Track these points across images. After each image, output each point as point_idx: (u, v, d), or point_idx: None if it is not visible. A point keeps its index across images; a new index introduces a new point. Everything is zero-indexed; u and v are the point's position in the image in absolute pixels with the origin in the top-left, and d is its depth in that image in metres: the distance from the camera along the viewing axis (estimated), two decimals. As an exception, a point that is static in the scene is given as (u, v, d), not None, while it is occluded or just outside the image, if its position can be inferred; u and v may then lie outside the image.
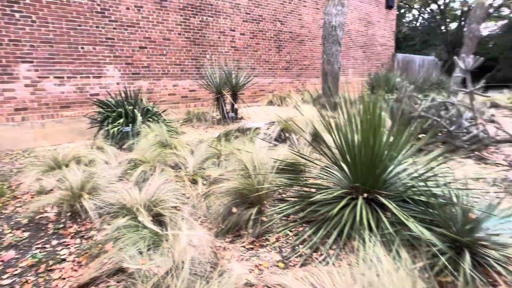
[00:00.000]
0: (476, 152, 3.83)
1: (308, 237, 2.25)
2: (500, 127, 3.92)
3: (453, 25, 25.23)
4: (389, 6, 12.49)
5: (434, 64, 16.89)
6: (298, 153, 2.93)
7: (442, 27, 25.15)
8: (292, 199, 2.84)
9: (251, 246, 2.25)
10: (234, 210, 2.41)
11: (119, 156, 3.86)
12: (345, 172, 2.57)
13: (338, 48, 7.08)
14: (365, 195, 2.33)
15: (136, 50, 6.35)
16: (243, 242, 2.30)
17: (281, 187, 2.82)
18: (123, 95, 5.12)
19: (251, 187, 2.50)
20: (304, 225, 2.50)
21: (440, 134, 4.06)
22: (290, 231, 2.43)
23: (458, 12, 24.14)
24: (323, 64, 7.32)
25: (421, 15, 26.70)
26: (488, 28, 27.78)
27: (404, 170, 2.50)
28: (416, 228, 1.85)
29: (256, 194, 2.49)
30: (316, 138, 3.76)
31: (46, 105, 5.34)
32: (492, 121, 5.22)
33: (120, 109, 4.83)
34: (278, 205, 2.68)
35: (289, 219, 2.61)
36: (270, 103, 8.37)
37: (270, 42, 8.82)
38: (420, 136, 4.02)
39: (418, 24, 26.27)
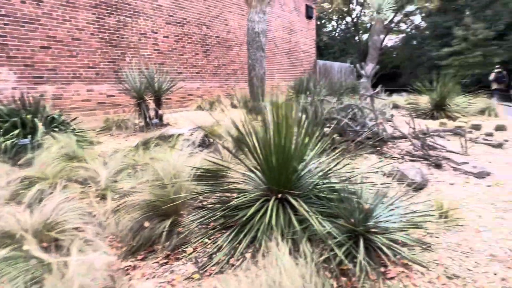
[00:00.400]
0: (378, 148, 4.37)
1: (226, 243, 2.24)
2: (395, 126, 4.55)
3: (365, 36, 28.56)
4: (309, 17, 13.54)
5: (350, 70, 18.92)
6: (217, 159, 2.91)
7: (356, 38, 28.45)
8: (213, 205, 2.80)
9: (165, 261, 2.13)
10: (147, 224, 2.26)
11: (12, 173, 3.29)
12: (261, 174, 2.64)
13: (262, 54, 7.35)
14: (279, 195, 2.42)
15: (38, 50, 5.54)
16: (157, 257, 2.16)
17: (201, 194, 2.76)
18: (19, 102, 4.40)
19: (166, 197, 2.38)
20: (223, 231, 2.48)
21: (351, 134, 4.51)
22: (209, 239, 2.39)
23: (368, 25, 27.44)
24: (249, 69, 7.50)
25: (339, 26, 29.73)
26: (392, 40, 32.49)
27: (315, 168, 2.69)
28: (317, 223, 1.98)
29: (171, 204, 2.37)
30: (239, 143, 3.80)
31: None
32: (390, 120, 6.04)
33: (15, 119, 4.14)
34: (198, 213, 2.60)
35: (208, 227, 2.55)
36: (199, 108, 8.22)
37: (197, 46, 8.68)
38: (333, 136, 4.40)
39: (336, 34, 29.10)
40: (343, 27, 29.61)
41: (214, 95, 9.22)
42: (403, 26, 29.21)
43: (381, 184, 2.66)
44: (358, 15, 26.93)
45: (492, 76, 12.94)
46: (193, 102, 8.51)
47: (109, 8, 6.58)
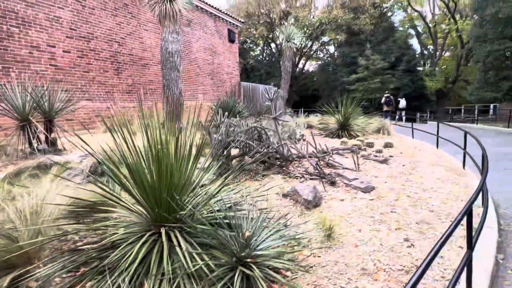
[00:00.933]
0: (284, 168, 4.52)
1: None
2: (295, 147, 4.80)
3: (287, 61, 30.81)
4: (231, 40, 13.99)
5: (274, 92, 20.06)
6: (106, 190, 2.55)
7: (281, 62, 30.64)
8: (89, 246, 2.40)
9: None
10: (-23, 283, 1.77)
11: None
12: (143, 207, 2.39)
13: (177, 74, 7.15)
14: (161, 230, 2.20)
15: None
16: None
17: (67, 234, 2.34)
18: None
19: (11, 245, 1.93)
20: (97, 277, 2.12)
21: (258, 155, 4.57)
22: (72, 290, 2.00)
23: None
24: (164, 89, 7.20)
25: (265, 50, 31.62)
26: (313, 65, 35.96)
27: (205, 195, 2.55)
28: (187, 259, 1.83)
29: (21, 252, 1.93)
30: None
31: None
32: (300, 140, 6.41)
33: None
34: (64, 259, 2.18)
35: (77, 273, 2.16)
36: (108, 130, 7.47)
37: (106, 63, 8.02)
38: (232, 159, 4.40)
39: (263, 58, 30.82)
40: (269, 51, 31.62)
41: (128, 116, 8.54)
42: (321, 54, 32.76)
43: (273, 206, 2.68)
44: (282, 41, 29.18)
45: (382, 100, 15.54)
46: (101, 124, 7.71)
47: (-13, 15, 5.60)
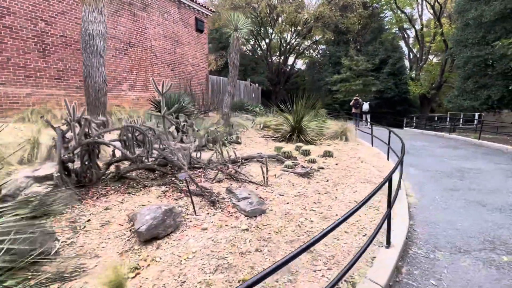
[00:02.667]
0: (173, 179, 3.69)
1: None
2: (170, 154, 3.96)
3: (273, 57, 29.93)
4: (199, 30, 13.04)
5: (251, 88, 19.16)
6: None
7: (269, 59, 29.57)
8: None
9: None
10: None
11: None
12: None
13: (99, 60, 6.24)
14: None
15: None
16: None
17: None
18: None
19: None
20: None
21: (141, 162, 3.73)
22: None
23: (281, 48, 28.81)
24: (84, 77, 6.29)
25: (253, 46, 30.57)
26: (306, 63, 35.05)
27: None
28: None
29: None
30: None
31: None
32: (230, 144, 5.56)
33: None
34: None
35: None
36: (23, 119, 6.55)
37: (29, 43, 7.06)
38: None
39: (249, 53, 29.78)
40: (256, 47, 30.61)
41: (57, 105, 7.62)
42: (312, 53, 31.82)
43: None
44: (270, 37, 28.12)
45: (351, 103, 15.43)
46: (19, 112, 6.79)
47: None
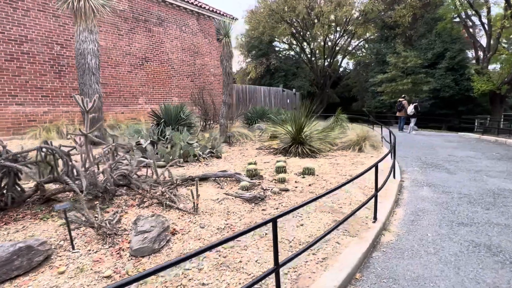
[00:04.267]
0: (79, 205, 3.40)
1: None
2: (83, 175, 3.59)
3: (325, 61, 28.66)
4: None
5: (284, 94, 18.44)
6: None
7: (314, 62, 28.39)
8: None
9: None
10: None
11: None
12: None
13: (91, 77, 6.47)
14: None
15: None
16: None
17: None
18: None
19: None
20: None
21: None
22: None
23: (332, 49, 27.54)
24: (81, 94, 6.58)
25: (294, 50, 29.81)
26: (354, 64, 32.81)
27: None
28: None
29: None
30: None
31: None
32: (205, 158, 5.14)
33: None
34: None
35: None
36: (35, 136, 7.15)
37: (45, 66, 7.75)
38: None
39: (290, 58, 29.08)
40: (298, 51, 29.75)
41: (73, 121, 8.22)
42: (360, 53, 29.60)
43: None
44: (312, 39, 26.99)
45: (397, 105, 13.75)
46: (34, 129, 7.45)
47: None
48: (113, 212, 3.12)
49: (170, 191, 3.59)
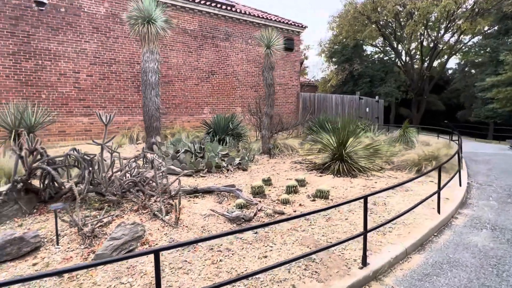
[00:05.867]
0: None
1: None
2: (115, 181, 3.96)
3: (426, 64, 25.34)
4: (287, 49, 12.95)
5: (362, 102, 16.88)
6: None
7: (415, 66, 25.17)
8: None
9: None
10: None
11: None
12: None
13: (151, 92, 7.43)
14: None
15: (-47, 91, 6.94)
16: None
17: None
18: None
19: None
20: None
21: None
22: None
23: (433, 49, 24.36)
24: (143, 107, 7.66)
25: (383, 52, 27.10)
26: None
27: None
28: None
29: None
30: None
31: None
32: (228, 170, 5.26)
33: None
34: None
35: None
36: (114, 141, 8.66)
37: (127, 83, 9.34)
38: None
39: (376, 62, 26.57)
40: (385, 54, 26.90)
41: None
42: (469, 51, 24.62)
43: None
44: (404, 38, 23.93)
45: None
46: (116, 135, 9.03)
47: (27, 55, 7.80)
48: (102, 216, 3.50)
49: (164, 201, 3.79)
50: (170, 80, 10.19)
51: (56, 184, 4.11)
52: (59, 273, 1.70)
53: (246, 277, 2.30)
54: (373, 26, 22.51)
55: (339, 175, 5.72)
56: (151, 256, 2.74)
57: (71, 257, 2.83)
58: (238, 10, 11.48)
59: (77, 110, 8.58)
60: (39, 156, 3.97)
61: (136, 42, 9.42)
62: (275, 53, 7.18)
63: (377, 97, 19.70)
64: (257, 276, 2.49)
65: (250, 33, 11.97)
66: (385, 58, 27.02)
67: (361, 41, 25.09)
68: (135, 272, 2.55)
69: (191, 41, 10.58)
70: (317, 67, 47.87)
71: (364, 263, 2.71)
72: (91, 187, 4.02)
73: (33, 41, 7.88)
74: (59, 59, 8.24)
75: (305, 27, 13.29)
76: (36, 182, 4.15)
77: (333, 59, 26.37)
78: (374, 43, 26.46)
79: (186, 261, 2.72)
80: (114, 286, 2.38)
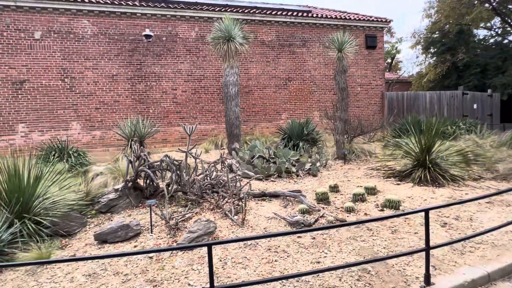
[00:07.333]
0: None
1: None
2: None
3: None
4: (369, 47, 12.18)
5: (466, 98, 14.30)
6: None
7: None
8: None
9: None
10: None
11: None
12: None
13: (231, 102, 8.23)
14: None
15: (93, 110, 9.28)
16: None
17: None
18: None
19: None
20: None
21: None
22: None
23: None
24: (225, 116, 8.54)
25: (499, 35, 22.31)
26: None
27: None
28: None
29: None
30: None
31: None
32: (298, 175, 5.52)
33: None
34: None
35: None
36: (202, 147, 9.90)
37: (214, 95, 10.53)
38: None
39: (491, 46, 22.02)
40: (500, 36, 21.96)
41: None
42: None
43: None
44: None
45: None
46: (205, 141, 10.29)
47: (139, 78, 9.72)
48: (185, 212, 4.17)
49: (234, 202, 4.26)
50: (250, 90, 10.98)
51: (154, 184, 5.10)
52: (163, 250, 2.25)
53: (295, 276, 2.47)
54: (486, 5, 18.82)
55: (421, 184, 5.17)
56: (218, 250, 3.19)
57: (160, 243, 3.53)
58: (314, 15, 11.50)
59: (175, 121, 10.16)
60: (142, 161, 5.01)
61: (220, 58, 10.53)
62: (348, 56, 6.96)
63: (489, 91, 16.41)
64: (307, 279, 2.63)
65: (327, 36, 11.77)
66: (504, 42, 22.19)
67: (467, 26, 21.30)
68: (204, 261, 3.03)
69: (269, 51, 11.15)
70: (412, 61, 42.71)
71: (427, 282, 2.51)
72: (178, 187, 4.83)
73: (144, 67, 9.76)
74: (161, 79, 9.96)
75: (389, 21, 12.27)
76: (141, 182, 5.25)
77: (431, 50, 23.20)
78: (487, 25, 22.09)
79: (246, 257, 3.06)
80: (187, 271, 2.90)
